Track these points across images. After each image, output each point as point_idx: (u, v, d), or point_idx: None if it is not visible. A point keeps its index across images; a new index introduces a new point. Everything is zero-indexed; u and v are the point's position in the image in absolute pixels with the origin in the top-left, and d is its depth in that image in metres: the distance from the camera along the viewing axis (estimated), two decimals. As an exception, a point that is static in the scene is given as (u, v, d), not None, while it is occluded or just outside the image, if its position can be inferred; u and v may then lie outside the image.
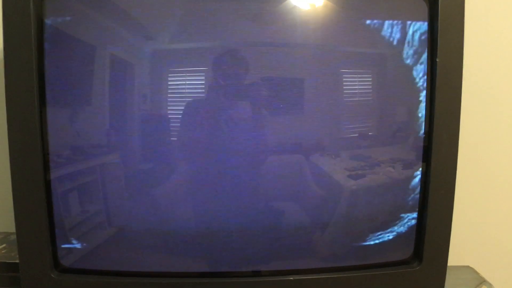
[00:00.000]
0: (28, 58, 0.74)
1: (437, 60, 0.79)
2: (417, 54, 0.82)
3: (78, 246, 0.82)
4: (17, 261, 0.80)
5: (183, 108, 0.80)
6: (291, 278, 0.82)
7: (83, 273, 0.82)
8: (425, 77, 0.82)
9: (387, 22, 0.81)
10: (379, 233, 0.85)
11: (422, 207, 0.83)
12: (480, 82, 1.07)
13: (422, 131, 0.83)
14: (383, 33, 0.81)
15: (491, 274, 1.03)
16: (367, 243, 0.85)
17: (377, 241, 0.85)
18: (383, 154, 0.85)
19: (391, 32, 0.81)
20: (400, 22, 0.81)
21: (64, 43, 0.78)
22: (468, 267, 1.07)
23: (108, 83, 0.79)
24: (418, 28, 0.81)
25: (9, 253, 0.92)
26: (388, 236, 0.85)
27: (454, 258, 0.90)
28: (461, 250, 1.08)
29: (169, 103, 0.81)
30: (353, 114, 0.84)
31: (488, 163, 1.11)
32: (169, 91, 0.80)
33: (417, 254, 0.85)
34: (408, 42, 0.81)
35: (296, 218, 0.85)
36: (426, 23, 0.81)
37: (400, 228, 0.85)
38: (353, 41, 0.82)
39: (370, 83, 0.84)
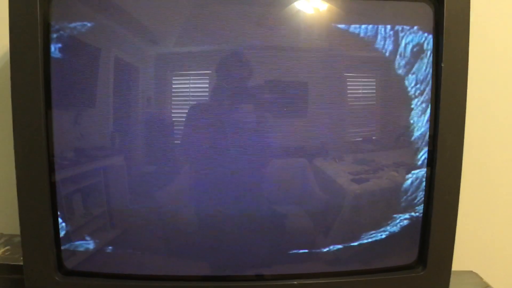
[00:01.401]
0: (34, 61, 0.75)
1: (442, 65, 0.80)
2: (422, 59, 0.82)
3: (82, 248, 0.82)
4: (21, 263, 0.80)
5: (187, 111, 0.80)
6: (295, 282, 0.82)
7: (87, 275, 0.82)
8: (430, 81, 0.82)
9: (392, 27, 0.81)
10: (383, 237, 0.85)
11: (427, 212, 0.83)
12: (485, 86, 1.07)
13: (427, 135, 0.83)
14: (387, 37, 0.81)
15: (494, 279, 1.03)
16: (371, 247, 0.85)
17: (381, 246, 0.85)
18: (387, 158, 0.85)
19: (396, 37, 0.81)
20: (405, 26, 0.81)
21: (70, 46, 0.78)
22: (471, 272, 1.06)
23: (113, 86, 0.79)
24: (422, 32, 0.81)
25: (13, 255, 0.92)
26: (392, 240, 0.85)
27: (458, 263, 0.90)
28: (464, 255, 1.07)
29: (173, 106, 0.81)
30: (357, 118, 0.84)
31: (492, 168, 1.11)
32: (173, 94, 0.80)
33: (422, 259, 0.84)
34: (412, 46, 0.81)
35: (299, 222, 0.85)
36: (431, 28, 0.81)
37: (404, 233, 0.85)
38: (357, 45, 0.82)
39: (374, 87, 0.84)
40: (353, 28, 0.81)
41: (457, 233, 0.83)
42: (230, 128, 0.80)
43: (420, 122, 0.83)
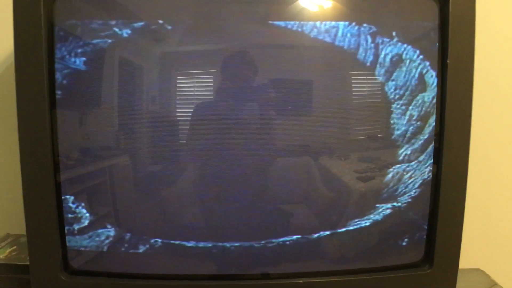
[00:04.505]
0: (38, 61, 0.75)
1: (448, 61, 0.79)
2: (427, 55, 0.81)
3: (87, 248, 0.82)
4: (27, 263, 0.80)
5: (191, 110, 0.80)
6: (301, 281, 0.82)
7: (93, 275, 0.82)
8: (436, 78, 0.81)
9: (397, 23, 0.81)
10: (389, 235, 0.85)
11: (433, 210, 0.83)
12: (492, 84, 1.06)
13: (433, 133, 0.82)
14: (392, 33, 0.80)
15: (502, 277, 1.02)
16: (377, 245, 0.84)
17: (387, 244, 0.85)
18: (392, 156, 0.84)
19: (401, 33, 0.81)
20: (410, 22, 0.81)
21: (74, 46, 0.78)
22: (478, 270, 1.06)
23: (117, 85, 0.79)
24: (428, 29, 0.81)
25: (19, 255, 0.93)
26: (399, 238, 0.85)
27: (465, 260, 0.89)
28: (471, 253, 1.06)
29: (177, 105, 0.81)
30: (362, 115, 0.84)
31: (498, 165, 1.11)
32: (178, 93, 0.80)
33: (428, 257, 0.84)
34: (417, 43, 0.81)
35: (305, 220, 0.85)
36: (436, 24, 0.80)
37: (410, 230, 0.85)
38: (361, 43, 0.82)
39: (379, 84, 0.84)
40: (356, 25, 0.81)
41: (464, 231, 0.83)
42: (235, 127, 0.80)
43: (426, 119, 0.82)
